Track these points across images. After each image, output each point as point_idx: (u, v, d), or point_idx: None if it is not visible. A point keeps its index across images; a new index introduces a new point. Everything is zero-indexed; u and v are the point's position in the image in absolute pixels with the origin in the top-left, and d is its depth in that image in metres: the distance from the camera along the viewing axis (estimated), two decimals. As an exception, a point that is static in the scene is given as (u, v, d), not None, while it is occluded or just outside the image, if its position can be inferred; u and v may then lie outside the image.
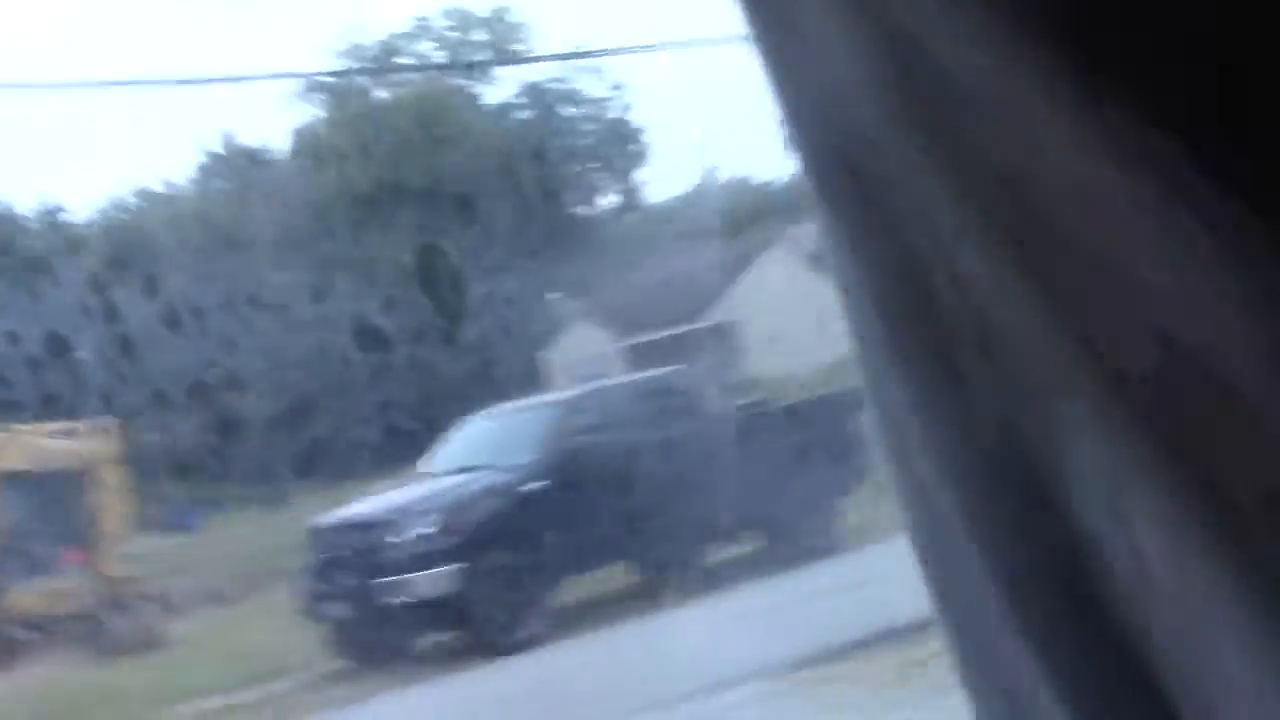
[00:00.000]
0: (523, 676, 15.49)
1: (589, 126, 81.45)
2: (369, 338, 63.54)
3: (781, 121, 0.91)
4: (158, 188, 72.90)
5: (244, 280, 62.64)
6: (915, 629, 13.16)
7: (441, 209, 67.47)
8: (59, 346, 58.50)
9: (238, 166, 73.29)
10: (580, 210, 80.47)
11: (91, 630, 23.71)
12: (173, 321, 60.77)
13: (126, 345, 59.12)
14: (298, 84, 71.53)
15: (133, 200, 71.09)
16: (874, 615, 14.14)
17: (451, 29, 74.36)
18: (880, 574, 16.68)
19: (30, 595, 25.64)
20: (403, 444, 49.47)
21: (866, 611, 14.55)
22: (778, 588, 17.12)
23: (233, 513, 47.77)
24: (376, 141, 68.70)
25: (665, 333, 72.20)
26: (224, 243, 65.87)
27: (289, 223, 67.36)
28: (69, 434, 25.79)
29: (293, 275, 63.52)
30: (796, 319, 74.78)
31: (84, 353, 57.89)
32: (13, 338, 57.05)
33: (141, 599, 24.21)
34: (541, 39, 76.95)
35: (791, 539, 18.67)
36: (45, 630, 25.01)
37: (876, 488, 19.31)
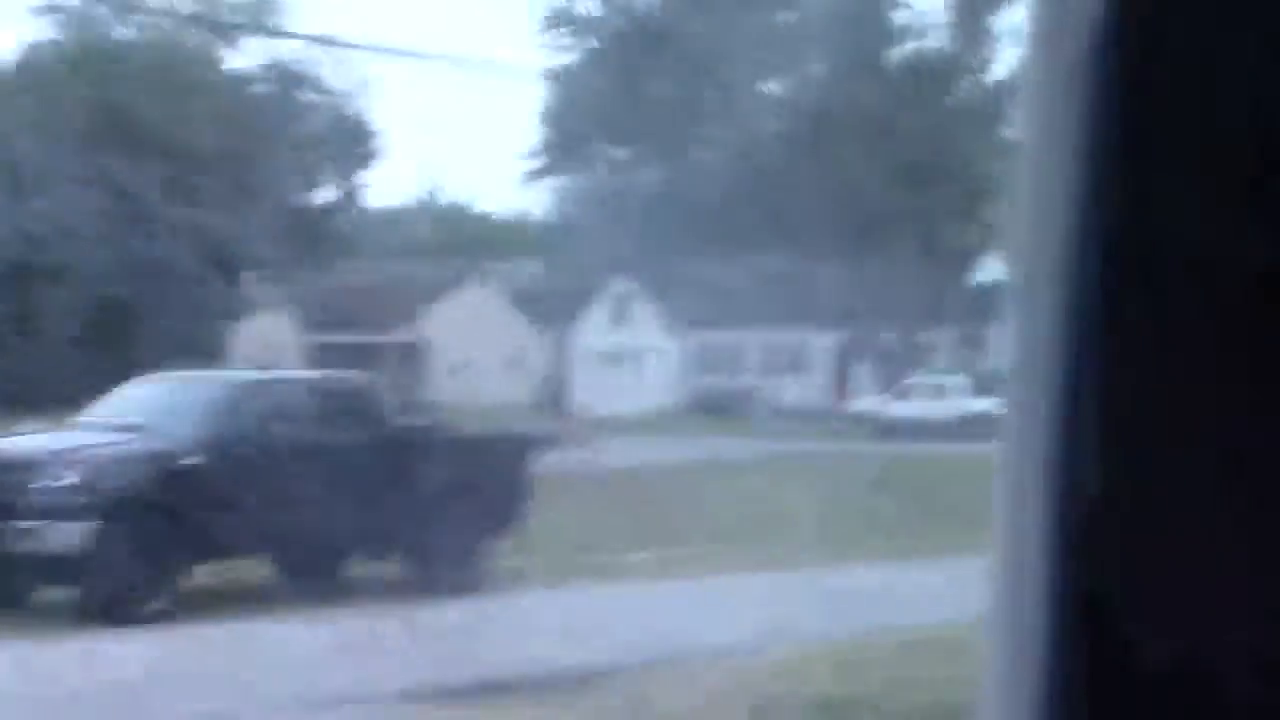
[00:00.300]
0: (130, 652, 15.05)
1: (324, 116, 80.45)
2: (52, 271, 61.58)
3: None
4: None
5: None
6: (542, 684, 13.17)
7: (155, 160, 65.86)
8: None
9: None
10: (297, 198, 79.52)
11: None
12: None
13: None
14: (34, 2, 69.02)
15: None
16: (495, 663, 14.12)
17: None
18: (517, 622, 16.69)
19: None
20: (65, 388, 48.09)
21: (490, 656, 14.52)
22: (406, 615, 16.97)
23: None
24: (105, 78, 66.85)
25: (354, 338, 71.59)
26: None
27: (-3, 139, 64.89)
28: None
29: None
30: (486, 352, 74.72)
31: None
32: None
33: None
34: (295, 18, 76.06)
35: (436, 569, 18.54)
36: None
37: (533, 534, 19.32)
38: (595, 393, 69.47)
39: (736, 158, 76.43)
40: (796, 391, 67.56)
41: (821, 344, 70.81)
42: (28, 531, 16.28)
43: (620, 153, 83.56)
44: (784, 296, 69.22)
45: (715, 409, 63.80)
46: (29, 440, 18.67)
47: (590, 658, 14.27)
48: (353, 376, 20.86)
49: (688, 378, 69.76)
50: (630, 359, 69.56)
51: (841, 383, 67.98)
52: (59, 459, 16.92)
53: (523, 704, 12.52)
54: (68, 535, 16.32)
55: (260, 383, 19.63)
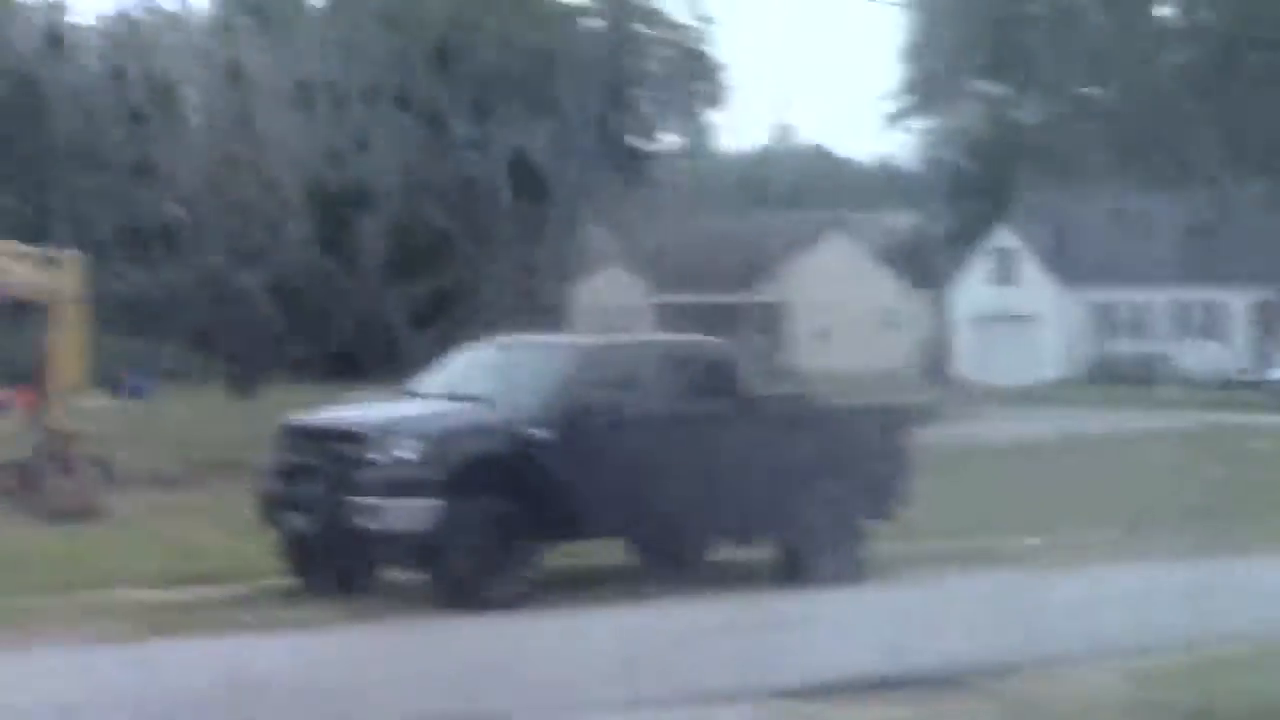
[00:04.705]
0: (487, 639, 15.57)
1: (665, 52, 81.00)
2: (361, 196, 62.87)
3: None
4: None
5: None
6: (912, 683, 13.28)
7: (469, 88, 66.62)
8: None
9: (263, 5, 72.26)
10: (637, 144, 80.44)
11: (26, 484, 23.80)
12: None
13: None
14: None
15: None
16: (872, 659, 14.25)
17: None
18: (892, 615, 16.81)
19: (-35, 432, 25.77)
20: (397, 356, 49.62)
21: (865, 653, 14.66)
22: (775, 606, 17.23)
23: (193, 389, 47.90)
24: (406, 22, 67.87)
25: (706, 297, 72.23)
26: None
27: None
28: (39, 260, 25.67)
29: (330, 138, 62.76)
30: (855, 314, 74.68)
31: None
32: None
33: (84, 462, 24.25)
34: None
35: (804, 556, 18.73)
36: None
37: (913, 517, 19.38)
38: (978, 358, 68.85)
39: (1130, 92, 74.82)
40: (1209, 358, 66.13)
41: (1239, 304, 69.04)
42: (367, 508, 16.78)
43: (995, 89, 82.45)
44: (1195, 250, 67.62)
45: (1114, 378, 62.79)
46: (364, 411, 19.23)
47: (970, 654, 14.34)
48: (709, 341, 21.03)
49: (1082, 342, 68.72)
50: (1016, 321, 68.71)
51: (1264, 348, 66.24)
52: (399, 430, 17.36)
53: (892, 703, 12.65)
54: (408, 514, 16.78)
55: (608, 348, 19.74)
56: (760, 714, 12.42)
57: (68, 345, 24.51)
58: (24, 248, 26.66)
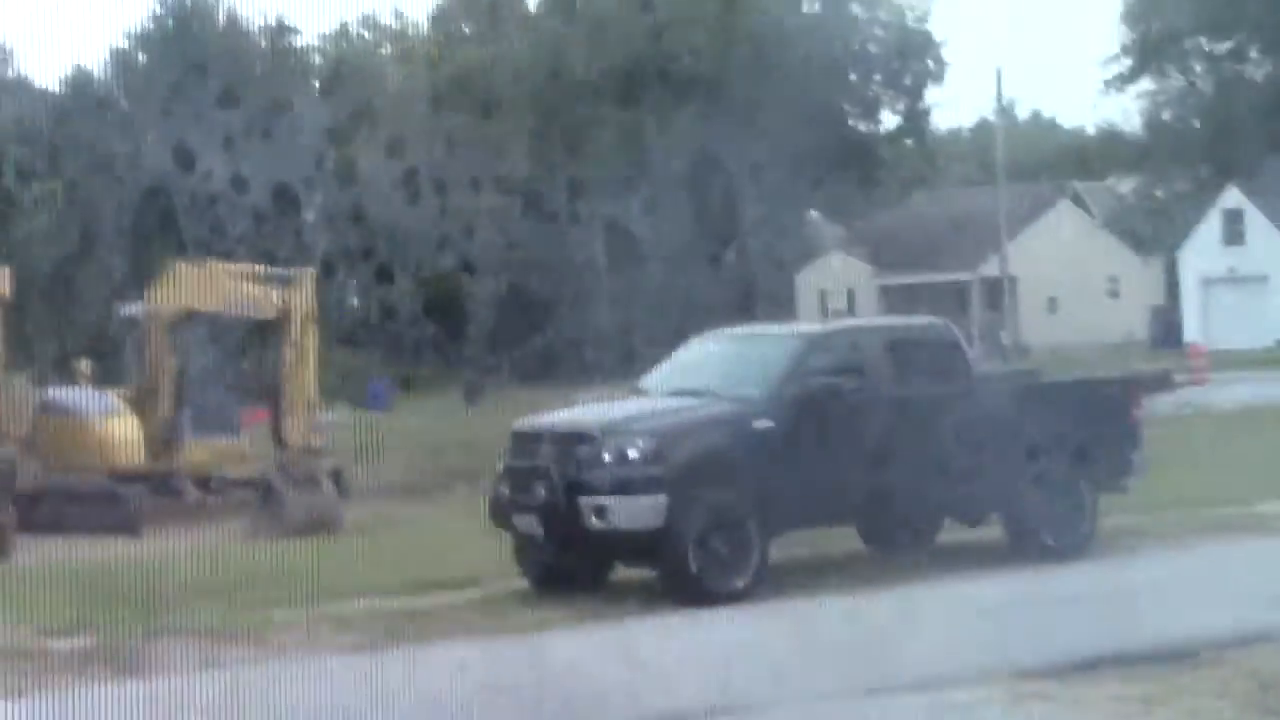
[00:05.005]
0: (722, 633, 15.64)
1: (880, 32, 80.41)
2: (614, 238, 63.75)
3: None
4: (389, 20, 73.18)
5: (488, 151, 63.09)
6: (1149, 658, 13.09)
7: (704, 95, 67.02)
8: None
9: (484, 10, 73.12)
10: (857, 125, 79.78)
11: (264, 501, 24.29)
12: (412, 192, 61.93)
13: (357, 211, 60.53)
14: None
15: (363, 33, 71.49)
16: (1107, 635, 14.09)
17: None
18: (1126, 589, 16.60)
19: (205, 451, 26.36)
20: (618, 354, 49.88)
21: (1100, 630, 14.50)
22: (1008, 585, 17.11)
23: (426, 398, 48.56)
24: (629, 11, 68.27)
25: (931, 277, 71.60)
26: (462, 98, 66.01)
27: (535, 92, 67.19)
28: (269, 280, 26.22)
29: (545, 160, 63.70)
30: (1082, 285, 73.52)
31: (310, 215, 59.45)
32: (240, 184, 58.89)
33: (321, 476, 24.69)
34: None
35: (1036, 533, 18.60)
36: (216, 492, 25.72)
37: (1147, 488, 19.12)
38: (1209, 323, 67.62)
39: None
40: None
41: None
42: (596, 507, 16.91)
43: (1220, 46, 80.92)
44: None
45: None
46: (591, 410, 19.41)
47: (1211, 627, 14.12)
48: (933, 322, 20.89)
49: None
50: (1247, 282, 67.38)
51: None
52: (624, 429, 17.48)
53: (1130, 680, 12.51)
54: (637, 511, 16.88)
55: (831, 334, 19.72)
56: (995, 694, 12.34)
57: (303, 361, 24.95)
58: (258, 268, 27.22)
